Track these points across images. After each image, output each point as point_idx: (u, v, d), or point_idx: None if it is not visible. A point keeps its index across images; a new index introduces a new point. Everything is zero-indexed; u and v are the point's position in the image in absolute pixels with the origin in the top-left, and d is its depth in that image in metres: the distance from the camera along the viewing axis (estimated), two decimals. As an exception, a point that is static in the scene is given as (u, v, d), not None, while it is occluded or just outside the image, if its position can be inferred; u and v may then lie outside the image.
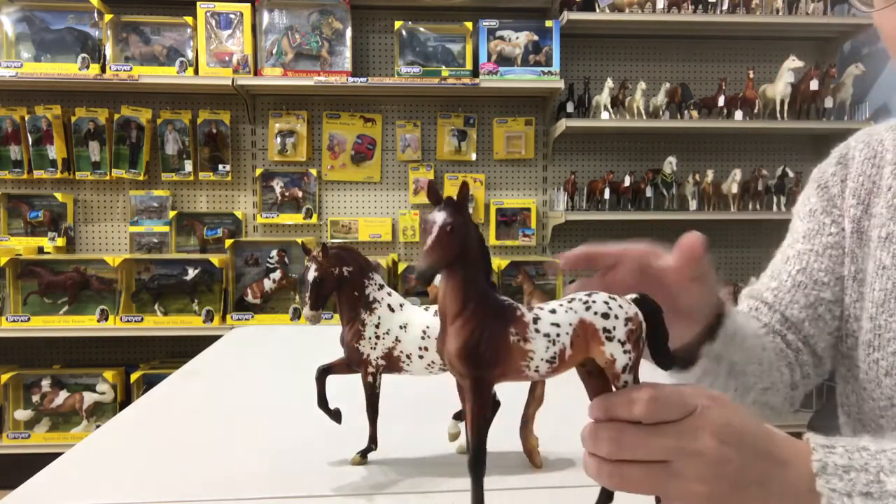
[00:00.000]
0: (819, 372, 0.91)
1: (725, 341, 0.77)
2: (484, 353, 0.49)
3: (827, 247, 0.90)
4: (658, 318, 0.52)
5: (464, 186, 0.50)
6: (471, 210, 3.20)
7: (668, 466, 0.50)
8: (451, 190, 3.33)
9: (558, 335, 0.49)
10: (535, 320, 0.50)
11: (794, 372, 0.88)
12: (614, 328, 0.49)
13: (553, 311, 0.51)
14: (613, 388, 0.51)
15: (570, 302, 0.51)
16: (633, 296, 0.53)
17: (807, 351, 0.89)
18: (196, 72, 3.06)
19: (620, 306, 0.50)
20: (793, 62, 3.09)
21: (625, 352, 0.49)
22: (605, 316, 0.49)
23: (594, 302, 0.50)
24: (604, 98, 3.14)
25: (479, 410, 0.51)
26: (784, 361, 0.87)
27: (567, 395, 0.74)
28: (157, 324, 2.94)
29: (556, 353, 0.49)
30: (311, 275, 0.86)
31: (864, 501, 0.49)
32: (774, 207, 3.19)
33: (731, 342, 0.78)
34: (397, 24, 3.11)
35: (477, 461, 0.52)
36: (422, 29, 3.15)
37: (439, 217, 0.48)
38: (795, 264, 0.91)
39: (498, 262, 3.11)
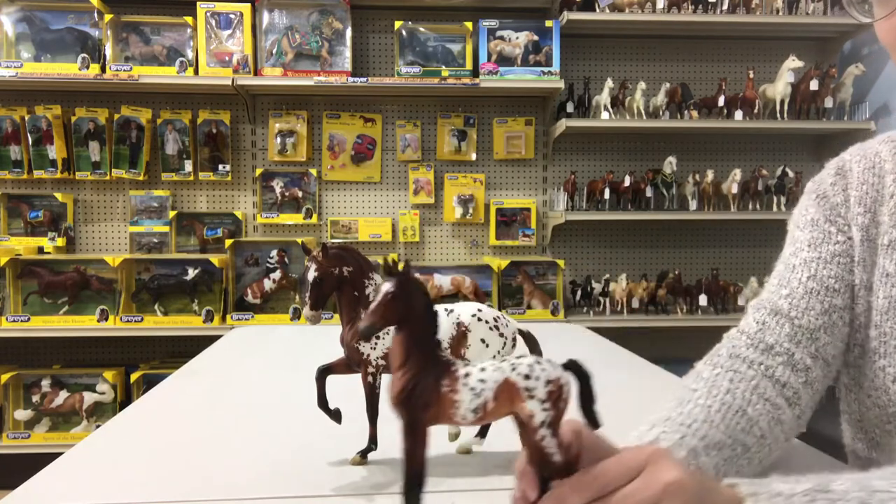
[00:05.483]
0: (827, 382, 0.89)
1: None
2: (418, 398, 0.57)
3: (834, 255, 0.88)
4: (586, 382, 0.58)
5: (407, 264, 0.60)
6: (470, 210, 3.26)
7: None
8: (451, 190, 3.33)
9: (483, 390, 0.56)
10: (466, 375, 0.57)
11: (799, 400, 0.84)
12: (535, 388, 0.55)
13: (483, 370, 0.58)
14: (532, 439, 0.57)
15: (501, 362, 0.58)
16: (564, 361, 0.59)
17: (818, 365, 0.86)
18: (196, 72, 3.06)
19: (543, 369, 0.56)
20: (793, 62, 3.10)
21: (543, 409, 0.55)
22: (527, 377, 0.55)
23: (520, 364, 0.57)
24: (604, 98, 3.14)
25: (412, 449, 0.58)
26: (782, 398, 0.83)
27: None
28: (157, 324, 2.94)
29: (479, 404, 0.56)
30: (311, 275, 0.86)
31: None
32: (774, 207, 3.19)
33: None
34: (397, 24, 3.11)
35: (410, 495, 0.59)
36: (422, 29, 3.15)
37: (385, 286, 0.57)
38: (804, 272, 0.89)
39: (498, 263, 3.11)
